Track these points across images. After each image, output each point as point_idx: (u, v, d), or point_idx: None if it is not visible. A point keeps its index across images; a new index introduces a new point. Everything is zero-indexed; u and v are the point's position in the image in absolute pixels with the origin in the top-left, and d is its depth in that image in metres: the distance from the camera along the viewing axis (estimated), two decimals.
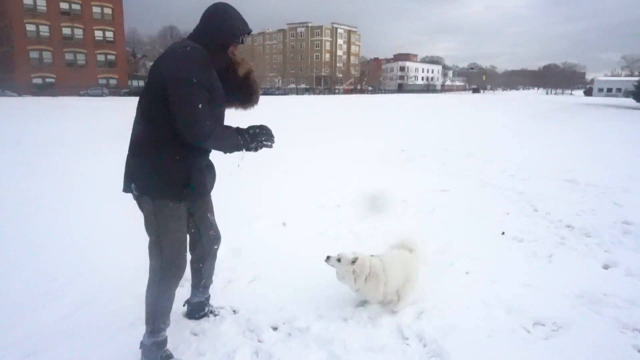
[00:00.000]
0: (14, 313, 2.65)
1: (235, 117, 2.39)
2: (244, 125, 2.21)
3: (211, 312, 2.69)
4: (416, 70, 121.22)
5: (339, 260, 2.66)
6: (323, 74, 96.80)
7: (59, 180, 6.36)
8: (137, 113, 2.14)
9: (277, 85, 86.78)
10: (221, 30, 2.12)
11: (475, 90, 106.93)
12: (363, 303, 2.81)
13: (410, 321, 2.63)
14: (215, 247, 2.52)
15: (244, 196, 5.14)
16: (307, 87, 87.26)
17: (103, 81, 57.31)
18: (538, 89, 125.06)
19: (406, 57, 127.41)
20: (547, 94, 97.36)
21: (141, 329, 2.24)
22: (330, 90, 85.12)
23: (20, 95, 46.12)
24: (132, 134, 2.15)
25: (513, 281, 3.18)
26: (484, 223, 4.57)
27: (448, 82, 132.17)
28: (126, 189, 2.16)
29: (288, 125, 14.49)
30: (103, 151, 8.55)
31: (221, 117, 2.26)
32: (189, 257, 2.38)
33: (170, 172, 2.08)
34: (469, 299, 2.90)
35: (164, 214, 2.12)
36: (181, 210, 2.18)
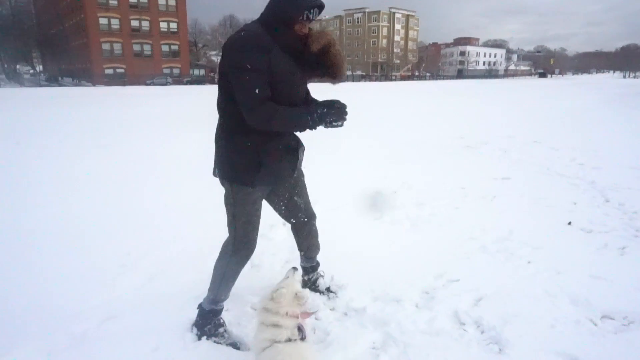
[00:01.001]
0: (97, 282, 2.91)
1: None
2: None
3: (316, 284, 2.79)
4: (477, 54, 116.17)
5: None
6: (380, 60, 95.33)
7: (134, 161, 6.82)
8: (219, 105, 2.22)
9: None
10: (282, 7, 2.04)
11: (542, 75, 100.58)
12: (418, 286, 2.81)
13: (467, 307, 2.59)
14: (307, 227, 2.61)
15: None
16: (363, 74, 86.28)
17: (167, 70, 60.03)
18: (614, 72, 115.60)
19: (467, 41, 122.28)
20: (624, 77, 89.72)
21: None
22: (387, 77, 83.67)
23: (94, 85, 49.41)
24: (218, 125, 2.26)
25: (580, 272, 3.02)
26: (548, 212, 4.36)
27: (512, 67, 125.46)
28: (213, 172, 2.31)
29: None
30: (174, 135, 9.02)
31: (293, 96, 2.17)
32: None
33: (242, 158, 2.14)
34: (531, 289, 2.80)
35: (239, 198, 2.21)
36: (256, 194, 2.24)
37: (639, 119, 12.51)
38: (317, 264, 2.84)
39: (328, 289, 2.78)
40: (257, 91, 1.98)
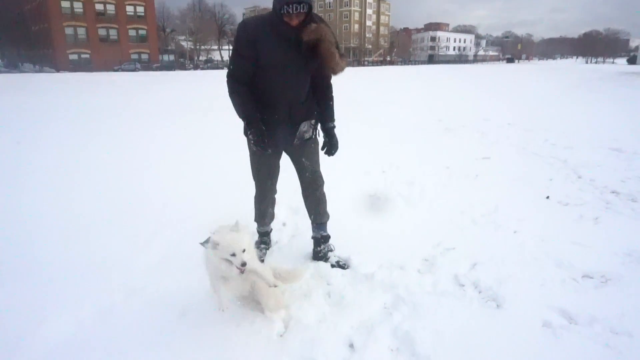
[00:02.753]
0: (117, 261, 3.02)
1: None
2: None
3: (326, 256, 3.02)
4: (447, 40, 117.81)
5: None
6: (352, 45, 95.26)
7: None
8: None
9: None
10: (275, 2, 2.39)
11: (510, 60, 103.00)
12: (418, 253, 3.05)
13: (465, 271, 2.85)
14: (313, 188, 2.93)
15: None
16: None
17: (135, 56, 58.39)
18: (577, 57, 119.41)
19: (437, 26, 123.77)
20: (586, 62, 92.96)
21: None
22: (359, 62, 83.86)
23: (58, 71, 47.57)
24: None
25: (561, 240, 3.33)
26: (528, 189, 4.68)
27: (481, 52, 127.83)
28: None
29: None
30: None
31: (283, 83, 2.58)
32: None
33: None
34: (520, 254, 3.08)
35: (252, 157, 2.84)
36: (265, 156, 2.75)
37: (603, 102, 13.16)
38: (328, 236, 3.06)
39: (338, 263, 2.98)
40: (230, 67, 2.56)
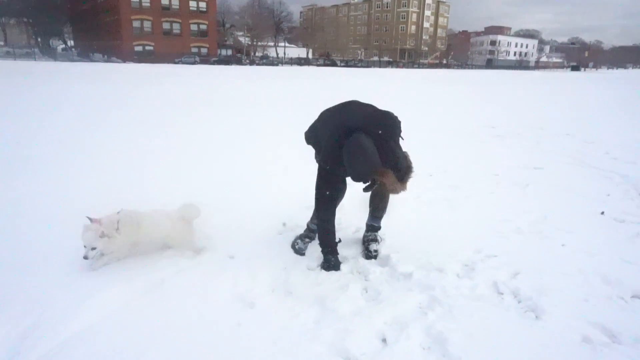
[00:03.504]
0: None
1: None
2: None
3: (374, 240, 3.20)
4: (508, 44, 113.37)
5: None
6: (407, 46, 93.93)
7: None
8: None
9: (359, 58, 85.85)
10: None
11: (575, 68, 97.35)
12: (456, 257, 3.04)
13: (505, 279, 2.80)
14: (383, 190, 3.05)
15: None
16: (390, 60, 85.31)
17: (195, 50, 60.59)
18: None
19: (498, 30, 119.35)
20: None
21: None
22: (414, 64, 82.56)
23: (124, 61, 50.27)
24: None
25: (611, 256, 3.19)
26: (581, 202, 4.49)
27: (544, 59, 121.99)
28: None
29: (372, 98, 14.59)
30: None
31: None
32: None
33: None
34: (565, 267, 2.99)
35: (321, 182, 2.90)
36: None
37: None
38: (379, 227, 3.24)
39: (374, 251, 3.11)
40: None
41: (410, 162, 2.78)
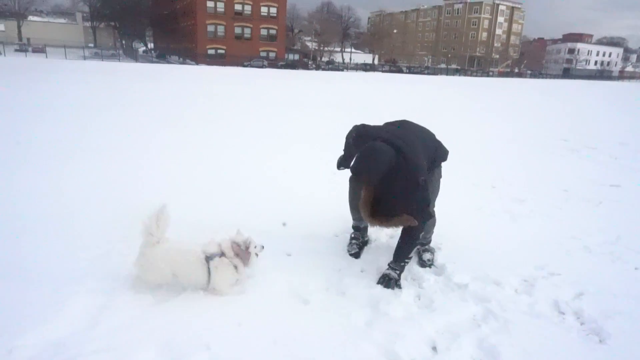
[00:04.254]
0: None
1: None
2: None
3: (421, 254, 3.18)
4: (589, 53, 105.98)
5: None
6: (477, 54, 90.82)
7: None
8: None
9: (426, 64, 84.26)
10: None
11: None
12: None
13: (568, 299, 2.68)
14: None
15: None
16: (458, 67, 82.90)
17: (264, 53, 62.40)
18: None
19: (578, 37, 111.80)
20: None
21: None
22: (484, 72, 79.63)
23: (197, 64, 52.94)
24: None
25: None
26: None
27: (629, 68, 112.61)
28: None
29: (436, 108, 14.31)
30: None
31: None
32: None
33: None
34: (637, 291, 2.81)
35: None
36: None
37: None
38: (428, 242, 3.22)
39: (428, 260, 3.09)
40: None
41: (428, 216, 2.79)
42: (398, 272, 2.79)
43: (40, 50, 49.01)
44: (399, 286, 2.74)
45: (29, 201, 3.93)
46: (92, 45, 66.53)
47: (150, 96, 13.68)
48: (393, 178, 2.50)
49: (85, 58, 46.38)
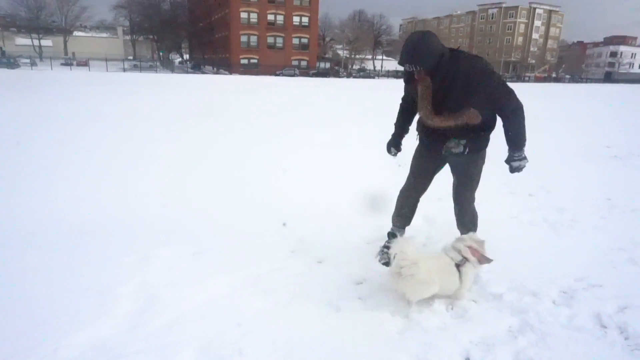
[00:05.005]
0: (255, 241, 3.47)
1: None
2: None
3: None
4: (633, 56, 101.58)
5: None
6: (513, 59, 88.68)
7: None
8: None
9: None
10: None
11: None
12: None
13: (611, 312, 2.57)
14: (455, 202, 3.21)
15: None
16: None
17: (295, 62, 63.16)
18: None
19: (621, 40, 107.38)
20: None
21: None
22: (520, 78, 77.62)
23: (231, 73, 54.17)
24: None
25: None
26: None
27: None
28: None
29: None
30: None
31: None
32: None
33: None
34: None
35: (414, 155, 3.23)
36: (421, 158, 3.16)
37: None
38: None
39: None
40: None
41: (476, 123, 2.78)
42: (525, 158, 2.88)
43: (84, 63, 51.54)
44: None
45: (75, 207, 4.13)
46: (131, 57, 69.31)
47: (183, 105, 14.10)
48: (453, 71, 2.57)
49: (124, 70, 48.36)
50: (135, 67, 53.89)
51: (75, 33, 72.95)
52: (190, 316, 2.41)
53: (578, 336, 2.34)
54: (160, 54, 73.44)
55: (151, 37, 72.02)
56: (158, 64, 62.14)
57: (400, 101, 3.16)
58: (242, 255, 3.19)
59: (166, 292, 2.63)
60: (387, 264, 3.14)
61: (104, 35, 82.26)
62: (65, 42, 66.78)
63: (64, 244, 3.28)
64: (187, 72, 54.56)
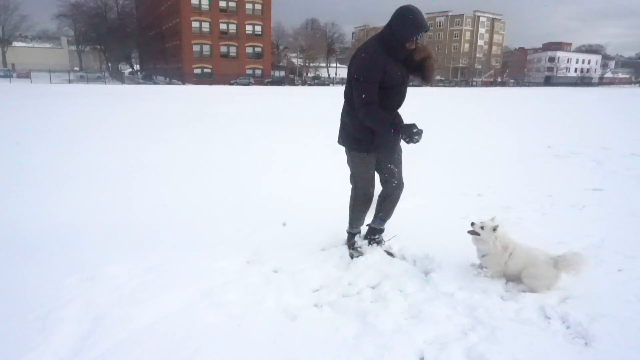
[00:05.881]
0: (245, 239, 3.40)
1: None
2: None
3: (379, 241, 3.50)
4: (568, 60, 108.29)
5: (482, 227, 3.02)
6: (460, 65, 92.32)
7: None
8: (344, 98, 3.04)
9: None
10: (400, 31, 2.79)
11: None
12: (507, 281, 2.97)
13: (554, 303, 2.70)
14: (397, 191, 3.28)
15: None
16: (442, 79, 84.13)
17: (250, 71, 62.85)
18: None
19: (558, 46, 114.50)
20: None
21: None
22: (467, 83, 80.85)
23: (184, 83, 53.08)
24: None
25: None
26: None
27: (608, 75, 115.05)
28: (338, 141, 3.28)
29: (428, 118, 14.48)
30: None
31: (397, 96, 3.03)
32: (378, 192, 3.36)
33: (361, 134, 3.04)
34: (621, 293, 2.84)
35: (356, 161, 3.19)
36: (368, 158, 3.15)
37: None
38: (384, 230, 3.54)
39: (387, 251, 3.44)
40: (363, 96, 2.86)
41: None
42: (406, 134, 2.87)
43: (25, 75, 48.86)
44: None
45: (15, 226, 3.90)
46: (77, 68, 66.47)
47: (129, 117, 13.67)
48: None
49: (70, 81, 46.27)
50: (81, 79, 51.72)
51: (15, 43, 69.16)
52: (139, 336, 2.32)
53: (525, 328, 2.45)
54: (109, 64, 70.88)
55: (98, 47, 69.37)
56: (106, 74, 59.91)
57: (372, 109, 2.89)
58: (195, 268, 3.12)
59: (113, 312, 2.52)
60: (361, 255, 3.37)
61: (47, 45, 78.36)
62: (3, 52, 63.16)
63: None
64: (138, 83, 52.91)
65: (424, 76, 3.04)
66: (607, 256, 3.45)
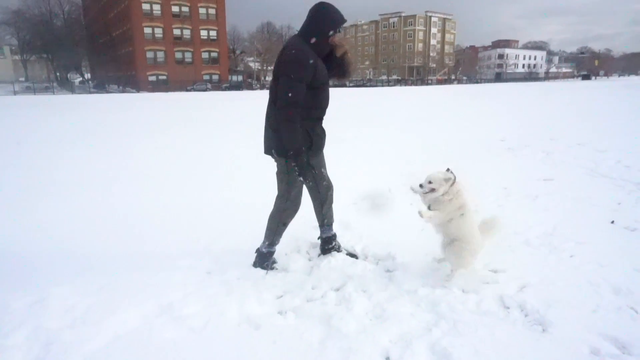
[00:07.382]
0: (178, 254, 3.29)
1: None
2: None
3: (338, 247, 3.44)
4: (516, 57, 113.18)
5: (430, 182, 3.02)
6: (416, 64, 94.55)
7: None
8: (269, 97, 2.89)
9: (367, 77, 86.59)
10: (322, 26, 2.76)
11: (585, 77, 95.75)
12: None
13: (512, 293, 2.78)
14: (329, 192, 3.25)
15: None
16: (399, 78, 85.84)
17: (207, 77, 61.79)
18: None
19: (506, 43, 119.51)
20: None
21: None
22: (423, 81, 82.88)
23: (138, 91, 51.50)
24: (267, 113, 2.94)
25: (623, 266, 3.15)
26: (592, 211, 4.45)
27: (553, 69, 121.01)
28: (267, 152, 3.03)
29: (374, 116, 14.67)
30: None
31: (326, 94, 2.96)
32: (311, 205, 3.27)
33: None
34: (574, 279, 2.96)
35: (291, 176, 2.95)
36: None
37: None
38: (335, 234, 3.47)
39: (350, 254, 3.42)
40: (289, 95, 2.71)
41: None
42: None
43: None
44: None
45: None
46: (23, 79, 63.24)
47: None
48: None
49: (15, 93, 43.93)
50: (28, 89, 49.16)
51: None
52: (94, 358, 2.20)
53: (485, 320, 2.50)
54: (57, 74, 67.82)
55: (45, 55, 66.26)
56: (55, 84, 57.27)
57: (294, 114, 2.75)
58: (153, 282, 3.00)
59: (65, 335, 2.37)
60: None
61: None
62: None
63: None
64: (90, 92, 50.84)
65: (345, 71, 3.05)
66: (559, 243, 3.59)
